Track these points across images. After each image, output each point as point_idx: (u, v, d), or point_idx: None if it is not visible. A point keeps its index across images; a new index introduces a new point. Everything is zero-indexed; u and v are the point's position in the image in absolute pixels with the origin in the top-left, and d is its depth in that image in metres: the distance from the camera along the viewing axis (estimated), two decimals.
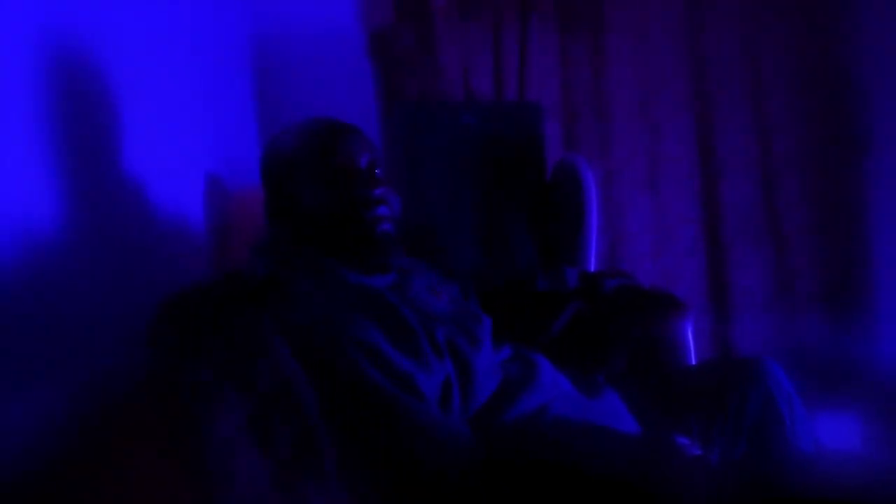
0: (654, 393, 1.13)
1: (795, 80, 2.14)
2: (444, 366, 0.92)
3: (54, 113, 0.84)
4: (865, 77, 2.12)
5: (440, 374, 0.91)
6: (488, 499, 0.84)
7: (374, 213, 1.00)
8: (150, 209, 1.07)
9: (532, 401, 0.98)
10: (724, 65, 2.12)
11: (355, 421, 0.84)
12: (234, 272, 0.99)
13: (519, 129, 1.73)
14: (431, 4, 1.97)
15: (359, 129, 1.07)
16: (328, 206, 1.00)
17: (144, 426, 0.71)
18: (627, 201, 2.12)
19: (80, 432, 0.66)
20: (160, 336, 0.82)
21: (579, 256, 1.59)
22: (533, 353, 1.09)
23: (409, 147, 1.69)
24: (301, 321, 0.88)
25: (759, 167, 2.16)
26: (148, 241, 1.06)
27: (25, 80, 0.78)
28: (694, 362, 1.32)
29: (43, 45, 0.82)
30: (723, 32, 2.12)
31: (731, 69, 2.13)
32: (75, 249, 0.85)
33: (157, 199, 1.09)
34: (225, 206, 1.41)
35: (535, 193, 1.71)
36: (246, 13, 1.89)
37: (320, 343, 0.87)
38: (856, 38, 2.12)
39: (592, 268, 1.60)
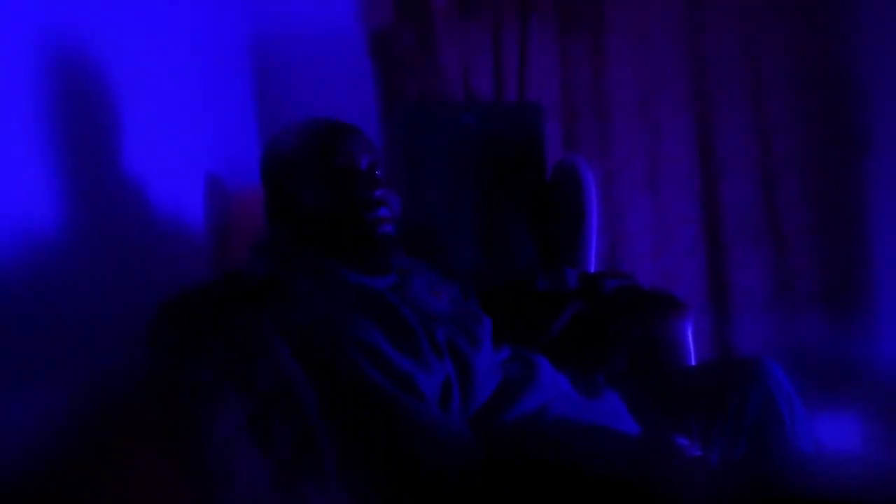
0: (654, 393, 1.13)
1: (795, 80, 2.14)
2: (444, 366, 0.92)
3: (54, 113, 0.84)
4: (865, 77, 2.12)
5: (440, 374, 0.91)
6: (488, 499, 0.84)
7: (375, 215, 1.00)
8: (150, 209, 1.07)
9: (532, 401, 0.98)
10: (724, 65, 2.12)
11: (355, 421, 0.84)
12: (234, 272, 0.99)
13: (519, 129, 1.73)
14: (431, 4, 1.97)
15: (359, 130, 1.07)
16: (329, 207, 1.00)
17: (144, 426, 0.71)
18: (627, 201, 2.12)
19: (80, 432, 0.66)
20: (160, 336, 0.82)
21: (579, 257, 1.59)
22: (533, 354, 1.09)
23: (409, 147, 1.69)
24: (301, 321, 0.88)
25: (759, 167, 2.16)
26: (148, 241, 1.06)
27: (25, 80, 0.78)
28: (694, 362, 1.32)
29: (43, 45, 0.82)
30: (723, 32, 2.12)
31: (731, 69, 2.13)
32: (75, 249, 0.85)
33: (157, 199, 1.09)
34: (225, 206, 1.41)
35: (535, 193, 1.71)
36: (246, 13, 1.89)
37: (320, 343, 0.87)
38: (856, 38, 2.12)
39: (592, 268, 1.60)
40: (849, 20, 2.12)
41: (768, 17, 2.12)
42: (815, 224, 2.16)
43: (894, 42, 2.04)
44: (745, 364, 1.13)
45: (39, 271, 0.77)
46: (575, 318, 1.28)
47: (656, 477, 0.89)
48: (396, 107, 1.77)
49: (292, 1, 1.95)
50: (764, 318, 2.16)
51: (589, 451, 0.95)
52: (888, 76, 2.07)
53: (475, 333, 1.01)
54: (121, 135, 1.00)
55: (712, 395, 1.09)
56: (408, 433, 0.84)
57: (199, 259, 1.27)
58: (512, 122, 1.73)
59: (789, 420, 1.05)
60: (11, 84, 0.75)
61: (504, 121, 1.73)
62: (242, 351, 0.81)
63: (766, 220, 2.17)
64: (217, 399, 0.74)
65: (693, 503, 0.87)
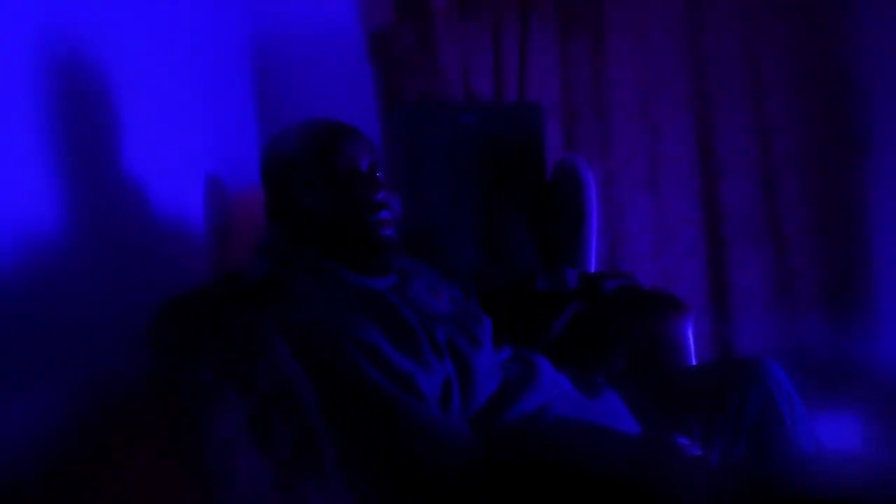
0: (654, 393, 1.13)
1: (795, 80, 2.14)
2: (444, 366, 0.92)
3: (54, 113, 0.84)
4: (865, 77, 2.12)
5: (440, 374, 0.91)
6: (488, 499, 0.84)
7: (377, 217, 1.00)
8: (150, 209, 1.07)
9: (532, 401, 0.98)
10: (724, 65, 2.12)
11: (355, 421, 0.84)
12: (234, 272, 0.99)
13: (519, 129, 1.73)
14: (431, 4, 1.97)
15: (359, 131, 1.07)
16: (330, 210, 0.99)
17: (144, 426, 0.71)
18: (627, 201, 2.12)
19: (80, 432, 0.66)
20: (160, 336, 0.82)
21: (579, 257, 1.59)
22: (533, 354, 1.09)
23: (409, 147, 1.69)
24: (301, 321, 0.88)
25: (759, 167, 2.16)
26: (148, 241, 1.06)
27: (25, 80, 0.78)
28: (694, 362, 1.32)
29: (43, 45, 0.82)
30: (723, 32, 2.12)
31: (731, 69, 2.13)
32: (75, 250, 0.85)
33: (157, 199, 1.09)
34: (225, 206, 1.41)
35: (535, 193, 1.71)
36: (246, 13, 1.89)
37: (320, 343, 0.87)
38: (856, 38, 2.12)
39: (593, 268, 1.60)
40: (849, 20, 2.12)
41: (768, 17, 2.12)
42: (816, 224, 2.16)
43: (894, 42, 2.04)
44: (746, 364, 1.13)
45: (39, 271, 0.77)
46: (575, 318, 1.28)
47: (656, 477, 0.89)
48: (396, 107, 1.77)
49: (292, 1, 1.95)
50: (764, 318, 2.16)
51: (589, 451, 0.95)
52: (888, 76, 2.07)
53: (475, 334, 1.01)
54: (121, 135, 1.00)
55: (712, 395, 1.09)
56: (408, 433, 0.84)
57: (199, 259, 1.27)
58: (512, 122, 1.73)
59: (790, 420, 1.05)
60: (11, 84, 0.75)
61: (504, 121, 1.73)
62: (242, 351, 0.81)
63: (766, 220, 2.17)
64: (217, 399, 0.74)
65: (693, 503, 0.87)
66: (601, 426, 0.99)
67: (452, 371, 0.93)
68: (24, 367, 0.71)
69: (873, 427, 2.00)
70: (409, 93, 1.97)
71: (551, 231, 1.67)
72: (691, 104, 2.14)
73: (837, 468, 1.05)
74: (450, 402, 0.91)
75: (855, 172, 2.15)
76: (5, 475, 0.58)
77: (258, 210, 1.08)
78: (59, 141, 0.84)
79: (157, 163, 1.11)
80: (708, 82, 2.13)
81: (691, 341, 1.31)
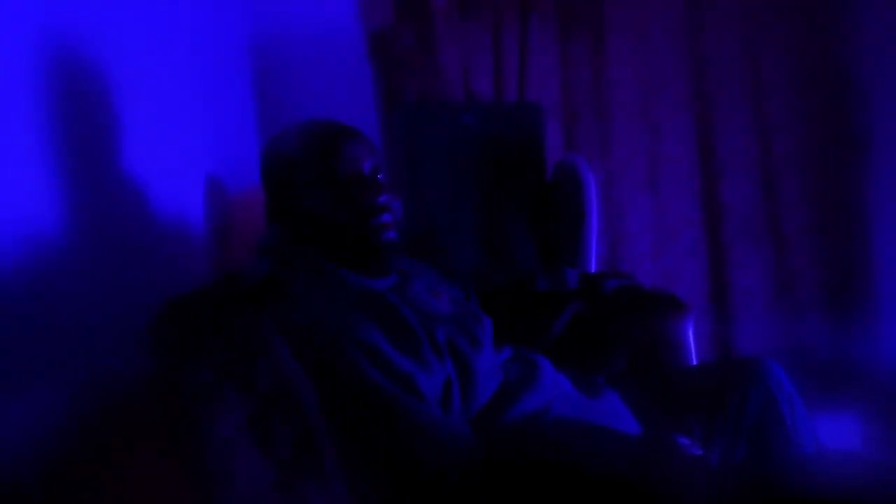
0: (654, 393, 1.13)
1: (795, 80, 2.13)
2: (444, 366, 0.92)
3: (54, 113, 0.84)
4: (865, 77, 2.12)
5: (440, 374, 0.91)
6: (488, 499, 0.84)
7: (379, 221, 1.00)
8: (150, 209, 1.07)
9: (532, 401, 0.98)
10: (724, 65, 2.12)
11: (355, 421, 0.84)
12: (234, 272, 0.99)
13: (519, 129, 1.73)
14: (431, 4, 1.97)
15: (361, 132, 1.06)
16: (331, 211, 0.99)
17: (144, 426, 0.71)
18: (627, 201, 2.12)
19: (80, 432, 0.66)
20: (160, 336, 0.82)
21: (579, 257, 1.59)
22: (533, 354, 1.09)
23: (409, 147, 1.69)
24: (301, 321, 0.88)
25: (759, 167, 2.16)
26: (148, 241, 1.06)
27: (25, 80, 0.78)
28: (694, 362, 1.32)
29: (43, 45, 0.82)
30: (723, 32, 2.11)
31: (731, 69, 2.12)
32: (75, 250, 0.85)
33: (157, 199, 1.09)
34: (225, 206, 1.41)
35: (535, 194, 1.71)
36: (246, 13, 1.89)
37: (320, 343, 0.87)
38: (856, 38, 2.11)
39: (593, 268, 1.60)
40: (849, 20, 2.12)
41: (768, 17, 2.12)
42: (816, 224, 2.16)
43: (894, 42, 2.04)
44: (746, 364, 1.14)
45: (39, 271, 0.77)
46: (575, 318, 1.28)
47: (656, 477, 0.89)
48: (396, 107, 1.77)
49: (292, 1, 1.95)
50: (764, 318, 2.16)
51: (589, 451, 0.95)
52: (888, 76, 2.07)
53: (475, 334, 1.01)
54: (121, 135, 1.00)
55: (713, 395, 1.09)
56: (408, 433, 0.84)
57: (199, 259, 1.27)
58: (512, 122, 1.73)
59: (790, 420, 1.05)
60: (11, 84, 0.75)
61: (504, 121, 1.73)
62: (242, 351, 0.81)
63: (766, 221, 2.17)
64: (217, 399, 0.74)
65: (693, 503, 0.87)
66: (601, 426, 0.99)
67: (453, 371, 0.93)
68: (24, 367, 0.72)
69: (873, 427, 2.00)
70: (409, 93, 1.97)
71: (551, 231, 1.67)
72: (691, 104, 2.14)
73: (837, 468, 1.05)
74: (450, 403, 0.91)
75: (855, 172, 2.15)
76: (5, 475, 0.58)
77: (258, 210, 1.08)
78: (59, 141, 0.84)
79: (157, 163, 1.11)
80: (708, 82, 2.13)
81: (691, 341, 1.31)
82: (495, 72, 2.03)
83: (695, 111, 2.15)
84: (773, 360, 1.11)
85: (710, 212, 2.16)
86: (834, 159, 2.15)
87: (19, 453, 0.61)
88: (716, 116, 2.14)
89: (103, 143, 0.96)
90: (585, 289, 1.36)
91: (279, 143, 1.07)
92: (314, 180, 1.00)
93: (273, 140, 1.08)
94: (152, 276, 1.04)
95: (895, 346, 2.08)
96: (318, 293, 0.94)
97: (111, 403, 0.72)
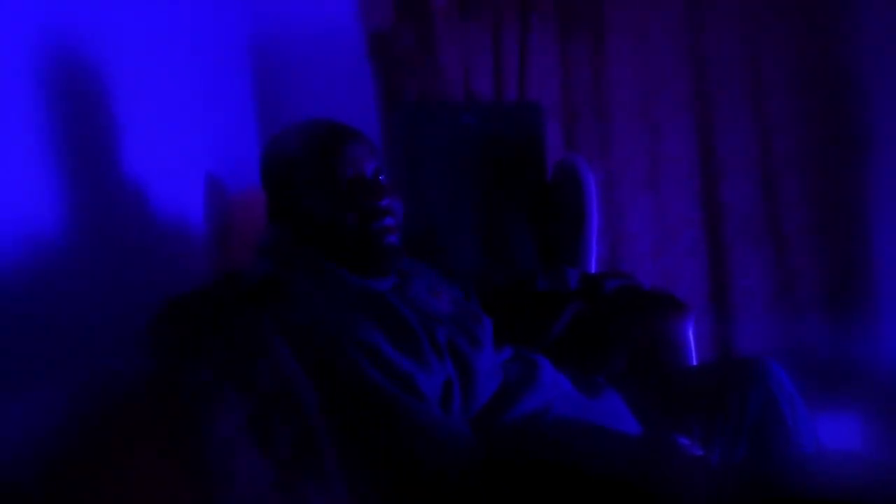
0: (654, 393, 1.13)
1: (795, 80, 2.14)
2: (444, 366, 0.92)
3: (54, 113, 0.84)
4: (865, 77, 2.12)
5: (441, 374, 0.91)
6: (488, 499, 0.83)
7: (381, 225, 0.99)
8: (150, 209, 1.07)
9: (533, 401, 0.98)
10: (724, 65, 2.12)
11: (355, 421, 0.84)
12: (234, 272, 0.99)
13: (519, 129, 1.73)
14: (431, 4, 1.97)
15: (362, 133, 1.05)
16: (332, 213, 0.98)
17: (144, 426, 0.71)
18: (628, 201, 2.12)
19: (80, 432, 0.66)
20: (160, 336, 0.82)
21: (580, 257, 1.59)
22: (533, 354, 1.09)
23: (409, 147, 1.69)
24: (301, 321, 0.88)
25: (759, 167, 2.16)
26: (148, 241, 1.06)
27: (25, 80, 0.78)
28: (694, 362, 1.32)
29: (43, 45, 0.82)
30: (723, 32, 2.11)
31: (731, 69, 2.12)
32: (75, 250, 0.85)
33: (157, 199, 1.09)
34: (225, 206, 1.41)
35: (535, 194, 1.71)
36: (246, 13, 1.89)
37: (320, 343, 0.87)
38: (856, 38, 2.12)
39: (593, 268, 1.60)
40: (849, 20, 2.12)
41: (768, 17, 2.12)
42: (816, 224, 2.16)
43: (894, 42, 2.04)
44: (746, 364, 1.13)
45: (39, 271, 0.77)
46: (575, 319, 1.28)
47: (656, 477, 0.89)
48: (396, 107, 1.77)
49: (292, 1, 1.95)
50: (764, 318, 2.16)
51: (589, 451, 0.95)
52: (888, 76, 2.07)
53: (475, 334, 1.01)
54: (121, 135, 1.00)
55: (713, 395, 1.09)
56: (408, 433, 0.84)
57: (199, 259, 1.27)
58: (512, 122, 1.73)
59: (791, 420, 1.05)
60: (11, 84, 0.75)
61: (504, 121, 1.73)
62: (242, 351, 0.81)
63: (766, 221, 2.17)
64: (217, 399, 0.74)
65: (693, 503, 0.87)
66: (601, 426, 0.99)
67: (453, 371, 0.93)
68: (24, 367, 0.72)
69: (873, 427, 2.00)
70: (409, 93, 1.97)
71: (551, 231, 1.67)
72: (691, 104, 2.14)
73: (837, 468, 1.05)
74: (450, 403, 0.91)
75: (855, 172, 2.15)
76: (5, 475, 0.58)
77: (258, 210, 1.08)
78: (59, 141, 0.84)
79: (157, 163, 1.11)
80: (708, 82, 2.13)
81: (692, 341, 1.31)
82: (495, 72, 2.03)
83: (695, 111, 2.15)
84: (774, 360, 1.11)
85: (710, 212, 2.16)
86: (834, 159, 2.15)
87: (19, 453, 0.61)
88: (716, 116, 2.14)
89: (103, 143, 0.96)
90: (586, 289, 1.36)
91: (280, 143, 1.06)
92: (315, 181, 1.00)
93: (273, 140, 1.08)
94: (152, 276, 1.04)
95: (895, 346, 2.08)
96: (318, 293, 0.94)
97: (111, 403, 0.72)
